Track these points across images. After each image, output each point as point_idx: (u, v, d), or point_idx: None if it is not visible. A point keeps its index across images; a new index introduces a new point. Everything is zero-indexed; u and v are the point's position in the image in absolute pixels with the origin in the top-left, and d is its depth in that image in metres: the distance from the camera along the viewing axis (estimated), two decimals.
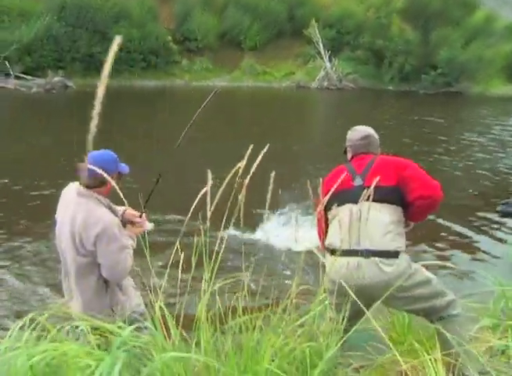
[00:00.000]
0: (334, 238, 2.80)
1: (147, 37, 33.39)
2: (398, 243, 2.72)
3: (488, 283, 3.94)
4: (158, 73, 33.44)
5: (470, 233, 7.41)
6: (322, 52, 33.51)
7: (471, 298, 3.79)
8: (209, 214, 2.00)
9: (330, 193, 2.57)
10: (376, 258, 2.65)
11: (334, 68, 33.28)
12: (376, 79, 34.26)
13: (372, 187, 2.46)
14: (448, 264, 2.31)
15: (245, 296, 2.45)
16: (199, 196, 2.09)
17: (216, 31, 36.37)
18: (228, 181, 2.06)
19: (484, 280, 4.01)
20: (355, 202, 2.67)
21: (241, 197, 2.04)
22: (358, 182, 2.86)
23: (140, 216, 3.10)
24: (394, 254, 2.67)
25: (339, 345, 2.41)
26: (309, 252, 2.92)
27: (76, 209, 2.73)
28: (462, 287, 4.49)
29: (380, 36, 34.30)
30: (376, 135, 3.18)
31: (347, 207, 2.77)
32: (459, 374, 2.59)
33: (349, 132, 3.21)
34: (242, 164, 2.15)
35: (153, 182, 2.87)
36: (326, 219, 2.97)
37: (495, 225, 7.48)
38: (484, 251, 6.68)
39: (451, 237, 7.33)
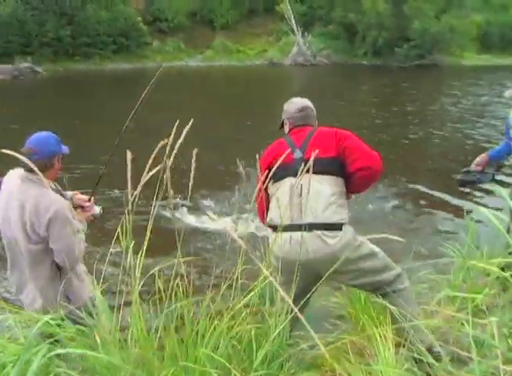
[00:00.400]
0: (275, 213, 2.72)
1: (116, 18, 32.64)
2: (340, 215, 2.67)
3: (449, 254, 3.90)
4: (129, 55, 32.75)
5: (437, 201, 7.41)
6: (295, 28, 33.11)
7: (433, 269, 3.74)
8: (130, 196, 1.88)
9: (271, 170, 2.46)
10: (319, 232, 2.59)
11: (307, 44, 32.94)
12: (350, 54, 34.06)
13: (312, 159, 2.35)
14: (396, 238, 2.22)
15: (184, 278, 2.35)
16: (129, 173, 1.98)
17: (186, 10, 35.68)
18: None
19: (446, 251, 3.97)
20: (296, 175, 2.55)
21: (166, 177, 1.92)
22: (297, 154, 2.78)
23: (89, 200, 3.01)
24: (337, 227, 2.62)
25: (284, 323, 2.33)
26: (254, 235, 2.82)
27: (23, 196, 2.61)
28: (423, 258, 4.47)
29: (353, 10, 33.99)
30: (313, 107, 3.10)
31: (288, 180, 2.68)
32: (409, 351, 2.52)
33: (285, 105, 3.13)
34: (168, 140, 2.02)
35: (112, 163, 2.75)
36: (268, 195, 2.89)
37: (466, 193, 7.47)
38: (451, 219, 6.67)
39: (417, 203, 7.35)
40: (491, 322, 2.09)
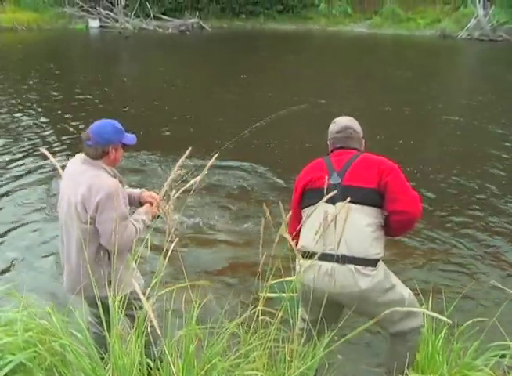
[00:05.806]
0: (307, 240, 2.57)
1: None
2: (376, 248, 2.51)
3: None
4: (294, 16, 32.56)
5: None
6: None
7: None
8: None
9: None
10: (352, 266, 2.44)
11: (488, 16, 29.60)
12: None
13: (350, 187, 2.32)
14: (440, 316, 1.71)
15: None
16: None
17: None
18: None
19: None
20: (332, 202, 2.43)
21: None
22: (335, 179, 2.62)
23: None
24: (372, 263, 2.46)
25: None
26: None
27: (80, 177, 2.72)
28: None
29: None
30: (358, 128, 2.88)
31: (323, 206, 2.46)
32: None
33: (330, 124, 2.96)
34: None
35: None
36: (300, 218, 2.74)
37: None
38: None
39: None
40: None
